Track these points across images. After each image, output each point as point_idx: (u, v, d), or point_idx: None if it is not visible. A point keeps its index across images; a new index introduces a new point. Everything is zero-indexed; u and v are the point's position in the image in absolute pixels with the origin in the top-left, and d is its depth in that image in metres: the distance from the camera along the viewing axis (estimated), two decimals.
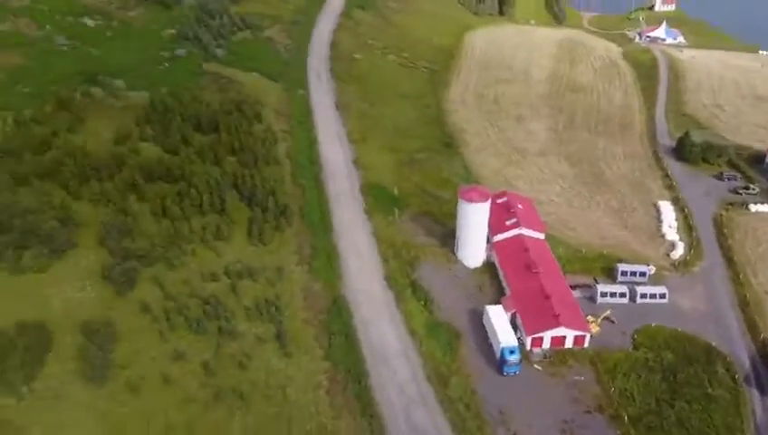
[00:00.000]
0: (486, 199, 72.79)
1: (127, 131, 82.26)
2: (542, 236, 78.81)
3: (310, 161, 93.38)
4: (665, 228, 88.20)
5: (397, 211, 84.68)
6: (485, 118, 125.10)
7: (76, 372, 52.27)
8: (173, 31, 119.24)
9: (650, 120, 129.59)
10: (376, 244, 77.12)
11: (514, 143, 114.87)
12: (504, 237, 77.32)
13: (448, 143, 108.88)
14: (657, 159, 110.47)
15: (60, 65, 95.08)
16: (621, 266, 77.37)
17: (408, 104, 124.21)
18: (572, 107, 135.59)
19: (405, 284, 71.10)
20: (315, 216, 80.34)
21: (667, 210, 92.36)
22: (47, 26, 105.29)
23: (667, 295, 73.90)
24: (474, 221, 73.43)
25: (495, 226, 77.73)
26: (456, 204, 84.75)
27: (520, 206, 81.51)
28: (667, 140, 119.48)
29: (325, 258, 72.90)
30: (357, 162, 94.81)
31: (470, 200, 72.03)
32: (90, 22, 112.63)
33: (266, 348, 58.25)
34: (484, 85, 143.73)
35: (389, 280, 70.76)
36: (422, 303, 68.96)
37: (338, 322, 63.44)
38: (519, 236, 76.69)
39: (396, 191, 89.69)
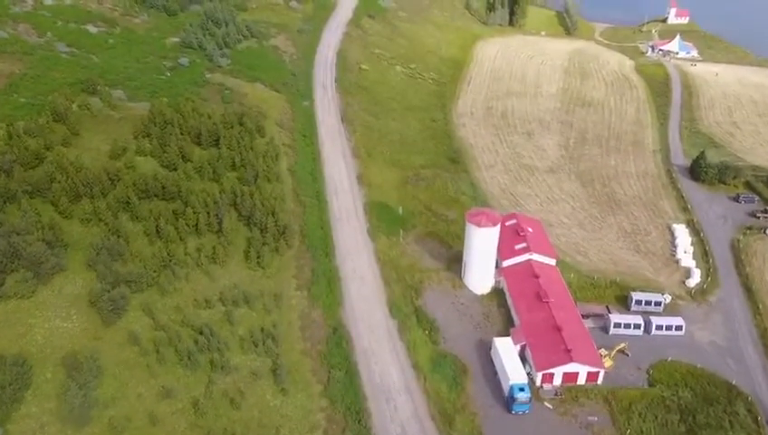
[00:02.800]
0: (496, 224, 69.49)
1: (123, 145, 79.51)
2: (553, 261, 75.37)
3: (312, 177, 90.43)
4: (680, 254, 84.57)
5: (401, 232, 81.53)
6: (494, 133, 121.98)
7: (56, 412, 49.11)
8: (177, 39, 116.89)
9: (663, 137, 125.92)
10: (379, 267, 73.95)
11: (524, 160, 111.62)
12: (514, 263, 73.96)
13: (455, 159, 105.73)
14: (671, 179, 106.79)
15: (59, 74, 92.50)
16: (635, 295, 73.81)
17: (415, 117, 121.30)
18: (583, 122, 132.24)
19: (409, 311, 67.82)
20: (316, 236, 77.28)
21: (682, 234, 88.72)
22: (48, 33, 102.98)
23: (683, 327, 70.25)
24: (482, 246, 70.13)
25: (504, 250, 74.40)
26: (463, 225, 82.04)
27: (530, 229, 78.12)
28: (680, 158, 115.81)
29: (326, 283, 69.73)
30: (361, 179, 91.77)
31: (478, 225, 68.74)
32: (92, 29, 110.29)
33: (261, 384, 55.00)
34: (493, 98, 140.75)
35: (392, 307, 67.51)
36: (427, 332, 65.64)
37: (337, 354, 60.16)
38: (529, 262, 73.29)
39: (400, 210, 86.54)
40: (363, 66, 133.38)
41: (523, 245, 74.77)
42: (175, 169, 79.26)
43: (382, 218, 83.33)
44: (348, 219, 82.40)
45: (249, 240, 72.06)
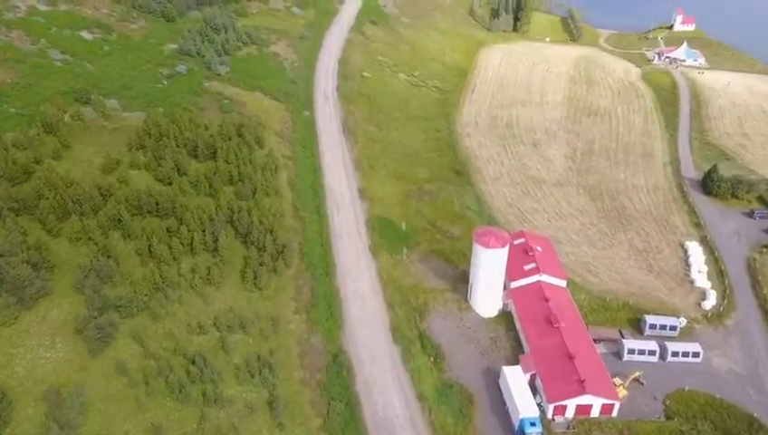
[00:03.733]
0: (504, 245, 66.33)
1: (117, 158, 76.58)
2: (563, 283, 72.18)
3: (313, 191, 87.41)
4: (694, 274, 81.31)
5: (404, 249, 78.40)
6: (499, 143, 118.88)
7: None
8: (175, 46, 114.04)
9: (673, 149, 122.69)
10: (381, 287, 70.84)
11: (530, 172, 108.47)
12: (522, 284, 70.79)
13: (460, 171, 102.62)
14: (683, 193, 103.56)
15: (51, 82, 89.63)
16: (649, 319, 70.58)
17: (418, 127, 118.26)
18: (590, 132, 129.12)
19: (413, 336, 64.64)
20: (316, 254, 74.18)
21: (696, 252, 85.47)
22: (42, 40, 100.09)
23: (701, 354, 66.97)
24: (490, 268, 66.98)
25: (512, 270, 71.21)
26: (470, 242, 78.92)
27: (539, 248, 74.94)
28: (691, 171, 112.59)
29: (326, 305, 66.60)
30: (363, 192, 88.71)
31: (486, 245, 65.58)
32: (87, 35, 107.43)
33: (256, 418, 51.82)
34: (498, 106, 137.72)
35: (396, 332, 64.35)
36: (432, 359, 62.44)
37: (338, 383, 56.97)
38: (538, 284, 70.11)
39: (404, 226, 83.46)
40: (365, 74, 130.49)
41: (533, 265, 71.59)
42: (170, 184, 76.30)
43: (385, 235, 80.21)
44: (349, 236, 79.31)
45: (246, 259, 68.95)
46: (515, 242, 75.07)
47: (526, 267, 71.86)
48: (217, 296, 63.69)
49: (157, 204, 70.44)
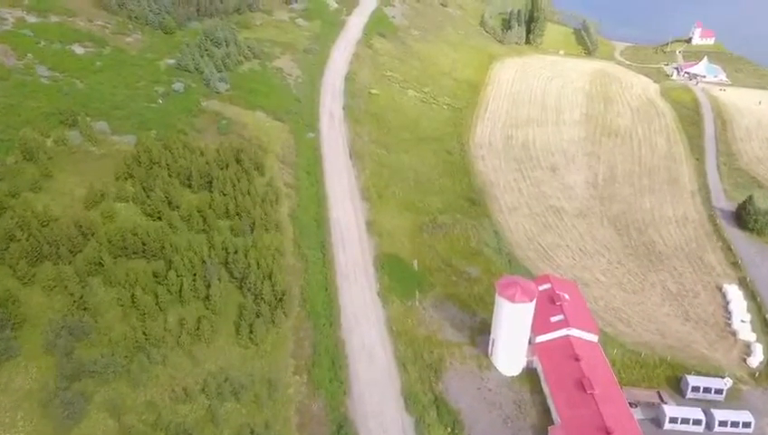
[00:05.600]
0: (532, 299, 59.00)
1: (102, 190, 69.50)
2: (595, 338, 64.70)
3: (317, 224, 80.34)
4: (736, 323, 73.86)
5: (417, 294, 71.14)
6: (516, 167, 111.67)
7: None
8: (172, 60, 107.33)
9: (701, 174, 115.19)
10: (392, 341, 63.58)
11: (550, 200, 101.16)
12: (549, 339, 63.39)
13: (475, 200, 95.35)
14: (715, 226, 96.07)
15: (36, 102, 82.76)
16: (691, 380, 63.10)
17: (429, 149, 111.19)
18: (611, 155, 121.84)
19: (428, 402, 57.27)
20: (319, 300, 67.02)
21: (736, 297, 77.98)
22: (29, 55, 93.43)
23: (752, 424, 59.48)
24: (515, 323, 59.71)
25: (538, 322, 63.78)
26: (488, 285, 71.86)
27: (566, 295, 67.52)
28: (722, 201, 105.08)
29: (329, 362, 59.37)
30: (371, 225, 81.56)
31: (512, 299, 58.27)
32: (79, 50, 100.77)
33: None
34: (513, 126, 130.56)
35: (409, 397, 56.98)
36: (449, 431, 55.07)
37: None
38: (567, 340, 62.72)
39: (415, 265, 76.23)
40: (373, 91, 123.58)
41: (560, 317, 64.20)
42: (159, 218, 69.25)
43: (395, 276, 72.97)
44: (356, 277, 72.10)
45: (241, 308, 61.79)
46: (540, 288, 67.68)
47: (553, 319, 64.46)
48: (208, 354, 56.49)
49: (143, 244, 63.41)
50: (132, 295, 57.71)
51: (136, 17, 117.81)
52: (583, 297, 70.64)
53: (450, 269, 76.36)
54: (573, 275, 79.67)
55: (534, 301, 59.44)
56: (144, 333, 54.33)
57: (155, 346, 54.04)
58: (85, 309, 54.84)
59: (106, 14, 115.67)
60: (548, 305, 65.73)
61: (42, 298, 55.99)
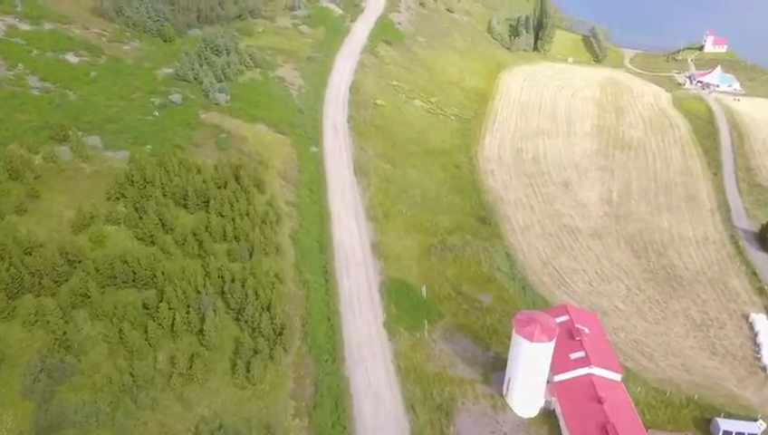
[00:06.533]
0: (552, 338, 54.52)
1: (91, 212, 65.30)
2: (618, 377, 60.11)
3: (319, 246, 76.06)
4: (766, 357, 69.23)
5: (426, 324, 66.73)
6: (527, 183, 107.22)
7: None
8: (170, 70, 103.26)
9: (719, 191, 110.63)
10: (399, 379, 59.14)
11: (563, 219, 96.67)
12: (569, 378, 58.82)
13: (485, 219, 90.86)
14: (738, 249, 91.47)
15: (25, 116, 78.74)
16: (723, 424, 58.46)
17: (437, 163, 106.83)
18: (625, 170, 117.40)
19: None
20: (321, 332, 62.68)
21: (765, 328, 73.40)
22: (20, 64, 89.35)
23: None
24: (532, 363, 55.25)
25: (557, 360, 59.16)
26: (501, 315, 67.49)
27: (586, 329, 62.99)
28: (743, 220, 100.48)
29: (332, 404, 54.98)
30: (376, 249, 77.25)
31: (531, 338, 53.80)
32: (73, 58, 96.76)
33: None
34: (522, 138, 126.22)
35: None
36: None
37: None
38: (589, 379, 58.16)
39: (424, 292, 71.81)
40: (379, 101, 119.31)
41: (581, 354, 59.64)
42: (152, 243, 65.08)
43: (402, 304, 68.60)
44: (360, 306, 67.74)
45: (237, 342, 57.50)
46: (558, 320, 63.21)
47: (573, 356, 59.92)
48: (201, 396, 52.15)
49: (134, 273, 59.18)
50: (120, 330, 53.43)
51: (134, 24, 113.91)
52: (604, 330, 66.08)
53: (461, 297, 71.89)
54: (591, 302, 75.21)
55: (554, 340, 54.96)
56: (131, 374, 50.04)
57: (143, 389, 49.77)
58: (68, 347, 50.58)
59: (103, 22, 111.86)
60: (567, 340, 61.18)
61: (22, 334, 51.79)
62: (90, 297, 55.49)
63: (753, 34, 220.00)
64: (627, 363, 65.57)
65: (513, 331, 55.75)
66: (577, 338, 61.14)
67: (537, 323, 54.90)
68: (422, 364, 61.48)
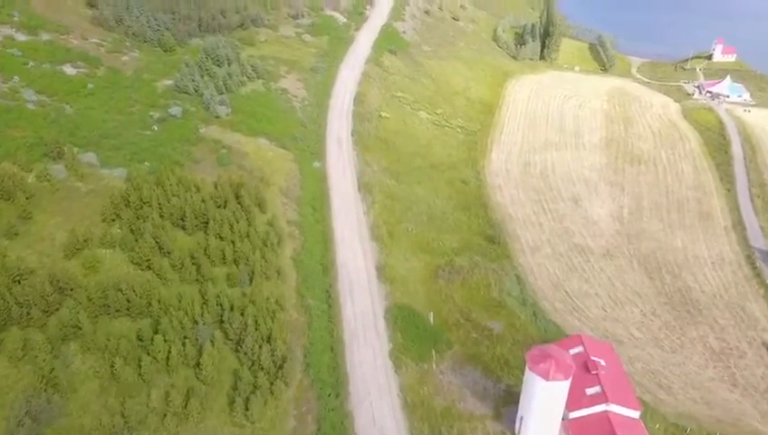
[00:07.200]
0: (568, 376, 51.49)
1: (85, 235, 62.56)
2: (636, 413, 57.04)
3: (322, 268, 73.26)
4: None
5: (433, 354, 63.75)
6: (535, 198, 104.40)
7: None
8: (170, 81, 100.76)
9: (733, 208, 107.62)
10: (406, 416, 56.12)
11: (574, 237, 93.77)
12: (585, 415, 55.75)
13: (494, 238, 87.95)
14: (755, 270, 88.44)
15: (19, 132, 75.91)
16: None
17: (443, 178, 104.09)
18: (636, 185, 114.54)
19: None
20: (324, 363, 59.77)
21: None
22: (15, 77, 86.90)
23: None
24: (547, 402, 52.21)
25: (572, 395, 56.03)
26: (512, 344, 64.51)
27: (602, 362, 59.92)
28: (760, 239, 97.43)
29: None
30: (381, 271, 74.34)
31: (545, 376, 50.74)
32: (70, 70, 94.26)
33: None
34: (530, 150, 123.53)
35: None
36: None
37: None
38: (606, 416, 54.96)
39: (431, 318, 68.89)
40: (383, 114, 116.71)
41: (597, 389, 56.50)
42: (148, 268, 62.33)
43: (408, 333, 65.63)
44: (365, 335, 64.80)
45: (236, 376, 54.62)
46: (572, 352, 60.22)
47: (589, 392, 56.81)
48: None
49: (128, 301, 56.39)
50: (112, 365, 50.63)
51: (134, 34, 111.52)
52: (621, 362, 62.92)
53: (470, 324, 68.89)
54: (605, 329, 72.23)
55: (570, 378, 51.95)
56: (123, 415, 47.15)
57: (135, 430, 46.88)
58: (55, 386, 47.72)
59: (102, 31, 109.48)
60: (582, 374, 58.01)
61: (8, 370, 48.96)
62: (81, 329, 52.69)
63: (763, 43, 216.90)
64: (644, 396, 62.51)
65: (527, 367, 52.70)
66: (593, 372, 57.97)
67: (552, 360, 51.80)
68: (430, 398, 58.50)
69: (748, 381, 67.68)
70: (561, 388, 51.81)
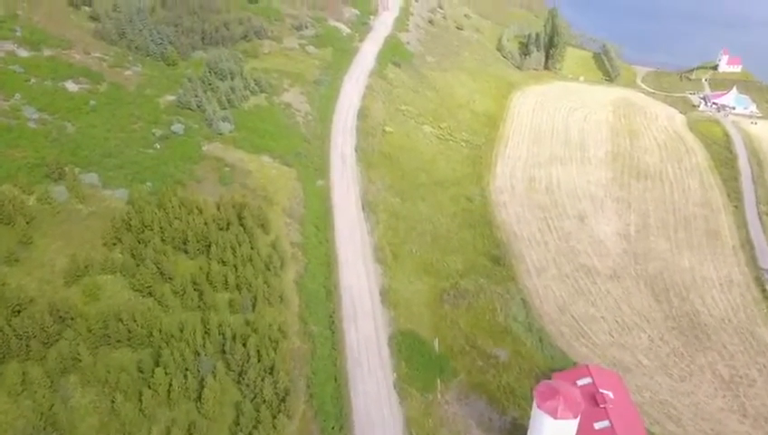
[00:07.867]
0: (577, 414, 50.50)
1: (86, 261, 61.71)
2: None
3: (325, 292, 72.36)
4: None
5: (438, 384, 62.77)
6: (540, 216, 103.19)
7: None
8: (173, 97, 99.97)
9: (741, 226, 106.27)
10: None
11: (579, 257, 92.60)
12: None
13: (499, 259, 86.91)
14: (764, 293, 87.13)
15: (20, 152, 75.03)
16: None
17: (447, 195, 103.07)
18: (642, 201, 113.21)
19: None
20: (327, 394, 58.83)
21: None
22: (17, 94, 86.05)
23: None
24: None
25: (580, 429, 55.09)
26: (519, 373, 63.52)
27: (611, 393, 58.91)
28: None
29: None
30: (386, 295, 73.40)
31: (553, 414, 49.80)
32: (72, 87, 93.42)
33: None
34: (535, 165, 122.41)
35: None
36: None
37: None
38: None
39: (436, 345, 67.95)
40: (387, 128, 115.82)
41: (606, 424, 55.56)
42: (150, 294, 61.48)
43: (413, 361, 64.69)
44: (369, 363, 63.86)
45: (238, 410, 53.70)
46: (579, 383, 59.28)
47: (597, 426, 55.82)
48: None
49: (129, 331, 55.51)
50: (112, 400, 49.72)
51: (137, 47, 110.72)
52: (629, 393, 62.00)
53: (475, 351, 67.92)
54: (612, 356, 71.10)
55: (579, 416, 50.92)
56: None
57: None
58: (54, 423, 46.81)
59: (104, 45, 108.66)
60: (591, 408, 57.07)
61: (7, 406, 48.10)
62: (80, 361, 51.84)
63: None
64: (653, 428, 61.49)
65: (534, 404, 51.73)
66: (601, 405, 57.08)
67: (560, 397, 50.82)
68: (434, 431, 57.58)
69: (758, 410, 66.46)
70: (569, 426, 50.84)
